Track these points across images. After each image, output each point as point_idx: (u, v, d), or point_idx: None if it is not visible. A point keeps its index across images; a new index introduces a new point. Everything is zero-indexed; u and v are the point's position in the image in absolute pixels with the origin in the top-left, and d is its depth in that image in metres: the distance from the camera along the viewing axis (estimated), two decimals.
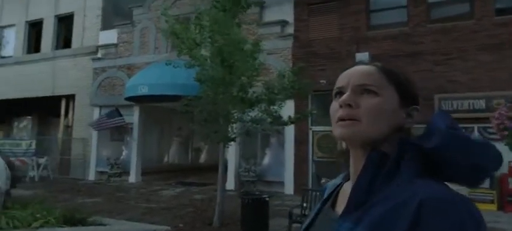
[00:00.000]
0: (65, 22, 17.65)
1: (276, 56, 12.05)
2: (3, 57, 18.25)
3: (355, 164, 0.85)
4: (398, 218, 0.70)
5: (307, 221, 0.96)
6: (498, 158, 0.77)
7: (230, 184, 12.08)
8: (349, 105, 0.82)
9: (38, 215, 5.96)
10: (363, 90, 0.83)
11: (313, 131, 11.66)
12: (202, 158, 21.04)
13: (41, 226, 5.68)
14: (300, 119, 8.85)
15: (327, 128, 10.75)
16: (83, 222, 6.20)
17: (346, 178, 0.94)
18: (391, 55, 10.33)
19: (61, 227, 5.83)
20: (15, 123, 19.48)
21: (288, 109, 9.29)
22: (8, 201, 6.94)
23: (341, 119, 0.83)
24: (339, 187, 0.96)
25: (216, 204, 7.61)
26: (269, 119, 7.77)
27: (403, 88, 0.86)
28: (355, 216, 0.77)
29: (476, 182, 0.77)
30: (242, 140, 10.28)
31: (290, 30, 12.18)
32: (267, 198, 6.86)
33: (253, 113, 7.86)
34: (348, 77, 0.87)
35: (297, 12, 12.12)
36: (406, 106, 0.85)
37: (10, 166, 7.69)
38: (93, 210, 8.24)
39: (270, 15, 12.61)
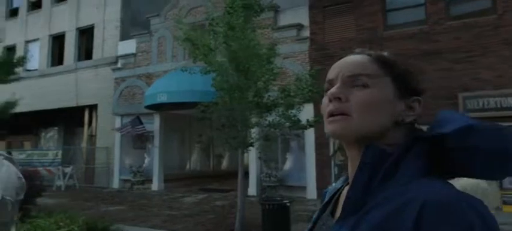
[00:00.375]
0: (85, 34, 18.13)
1: (293, 60, 12.02)
2: (29, 71, 18.85)
3: (352, 164, 0.78)
4: (399, 223, 0.62)
5: (307, 228, 0.88)
6: None
7: (252, 190, 12.07)
8: (339, 99, 0.75)
9: (61, 224, 6.11)
10: (353, 81, 0.76)
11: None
12: (224, 164, 21.11)
13: None
14: (319, 122, 8.77)
15: None
16: None
17: (347, 181, 0.85)
18: (409, 55, 10.13)
19: None
20: (43, 134, 20.04)
21: (307, 112, 9.23)
22: (32, 210, 7.15)
23: (331, 114, 0.76)
24: (339, 190, 0.88)
25: (236, 211, 7.61)
26: (287, 124, 7.73)
27: (400, 78, 0.77)
28: (352, 222, 0.69)
29: (503, 172, 0.68)
30: (262, 145, 10.29)
31: (306, 33, 12.13)
32: (288, 204, 6.77)
33: (271, 117, 7.85)
34: (338, 68, 0.80)
35: (312, 15, 12.06)
36: (406, 98, 0.76)
37: (29, 175, 7.93)
38: (117, 218, 8.41)
39: (285, 19, 12.60)
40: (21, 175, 1.77)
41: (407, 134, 0.75)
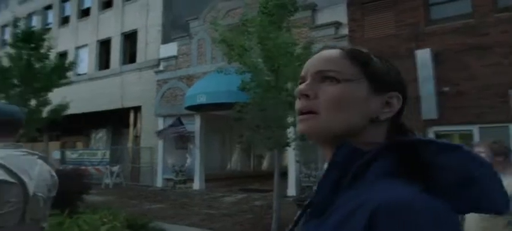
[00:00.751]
0: (130, 39, 18.90)
1: None
2: (79, 75, 19.94)
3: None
4: (351, 225, 0.58)
5: (288, 228, 0.86)
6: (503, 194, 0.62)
7: (291, 190, 12.03)
8: (307, 96, 0.72)
9: (105, 220, 6.43)
10: (322, 77, 0.72)
11: None
12: (265, 164, 21.20)
13: (107, 230, 6.12)
14: None
15: None
16: (144, 227, 6.58)
17: None
18: (454, 51, 9.68)
19: None
20: (93, 134, 21.10)
21: None
22: (80, 206, 7.57)
23: (300, 112, 0.73)
24: None
25: (273, 211, 7.63)
26: None
27: (375, 72, 0.72)
28: (314, 225, 0.67)
29: (467, 199, 0.61)
30: (298, 145, 10.24)
31: (344, 31, 11.91)
32: None
33: None
34: (308, 65, 0.76)
35: (350, 12, 11.82)
36: (382, 94, 0.72)
37: (78, 174, 8.38)
38: (157, 216, 8.70)
39: (323, 18, 12.44)
40: (54, 174, 1.87)
41: (390, 132, 0.72)
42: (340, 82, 0.70)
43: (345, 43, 11.71)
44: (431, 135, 9.90)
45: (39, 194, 1.73)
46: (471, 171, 0.61)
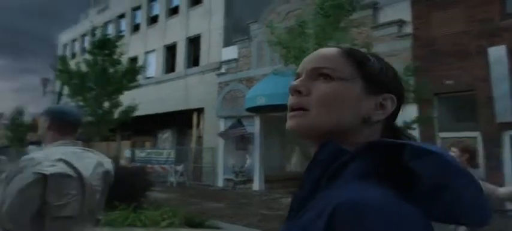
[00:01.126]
0: (194, 43, 19.69)
1: (395, 58, 11.30)
2: (148, 78, 21.16)
3: None
4: (317, 225, 0.57)
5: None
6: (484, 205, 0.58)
7: None
8: (299, 92, 0.71)
9: (165, 216, 6.79)
10: (317, 74, 0.71)
11: (441, 138, 10.50)
12: None
13: (167, 226, 6.45)
14: (423, 123, 8.17)
15: (458, 134, 9.63)
16: (201, 225, 6.82)
17: None
18: None
19: (183, 228, 6.52)
20: (160, 135, 22.24)
21: (409, 114, 8.66)
22: (144, 202, 8.05)
23: (291, 109, 0.72)
24: None
25: None
26: None
27: (370, 72, 0.71)
28: (291, 223, 0.66)
29: (445, 214, 0.57)
30: None
31: (408, 29, 11.35)
32: None
33: None
34: (304, 62, 0.76)
35: (415, 9, 11.23)
36: (377, 95, 0.70)
37: (141, 172, 8.86)
38: (216, 215, 8.95)
39: (385, 16, 11.95)
40: (108, 168, 2.02)
41: (384, 135, 0.70)
42: (334, 80, 0.70)
43: (409, 42, 11.18)
44: (506, 139, 9.09)
45: (96, 187, 1.88)
46: (444, 177, 0.57)
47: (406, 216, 0.53)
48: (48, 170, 1.67)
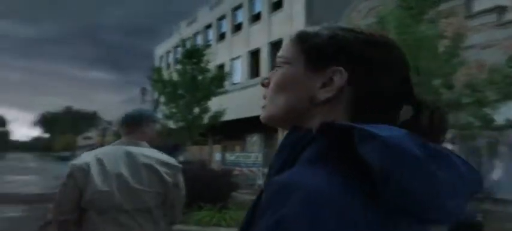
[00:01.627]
0: (276, 47, 19.96)
1: (493, 49, 10.23)
2: (234, 84, 22.01)
3: None
4: (257, 212, 0.55)
5: None
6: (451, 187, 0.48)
7: None
8: (263, 85, 0.71)
9: None
10: (275, 66, 0.70)
11: None
12: None
13: None
14: None
15: None
16: None
17: None
18: None
19: None
20: (248, 139, 22.95)
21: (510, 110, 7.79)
22: (229, 203, 8.37)
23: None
24: None
25: None
26: (477, 124, 6.73)
27: (311, 46, 0.64)
28: (255, 207, 0.64)
29: (394, 205, 0.48)
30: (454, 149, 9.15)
31: (509, 16, 10.18)
32: (479, 219, 5.86)
33: (457, 117, 6.95)
34: None
35: None
36: (322, 70, 0.62)
37: (225, 174, 9.19)
38: None
39: (481, 4, 10.86)
40: (159, 170, 1.95)
41: (356, 114, 0.61)
42: (281, 66, 0.67)
43: (511, 31, 10.06)
44: None
45: (136, 186, 1.89)
46: (386, 164, 0.47)
47: (332, 202, 0.47)
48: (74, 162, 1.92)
